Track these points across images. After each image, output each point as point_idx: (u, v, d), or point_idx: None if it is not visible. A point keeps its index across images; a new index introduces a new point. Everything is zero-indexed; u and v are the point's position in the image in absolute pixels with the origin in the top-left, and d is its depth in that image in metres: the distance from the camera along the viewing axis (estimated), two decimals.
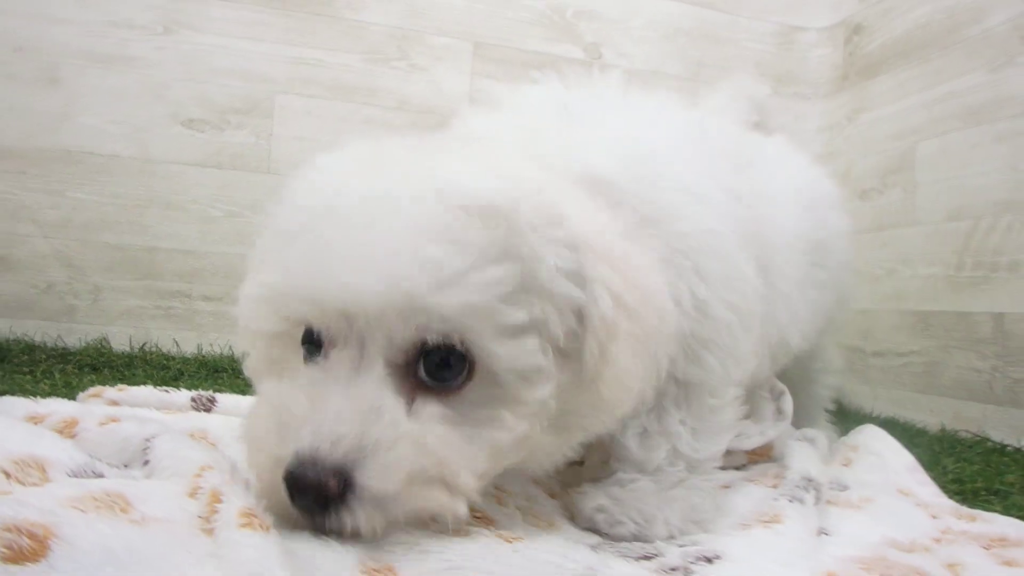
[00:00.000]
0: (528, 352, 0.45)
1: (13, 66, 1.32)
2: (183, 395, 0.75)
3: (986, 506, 0.74)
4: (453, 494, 0.44)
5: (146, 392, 0.75)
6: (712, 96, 1.01)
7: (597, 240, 0.47)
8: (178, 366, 1.26)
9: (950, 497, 0.79)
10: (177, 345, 1.38)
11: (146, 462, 0.54)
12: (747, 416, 0.79)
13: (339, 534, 0.41)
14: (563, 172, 0.53)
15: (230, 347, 1.40)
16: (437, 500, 0.43)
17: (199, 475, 0.44)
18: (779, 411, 0.83)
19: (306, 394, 0.43)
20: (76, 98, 1.34)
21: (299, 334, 0.48)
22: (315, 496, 0.41)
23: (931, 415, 1.29)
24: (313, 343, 0.46)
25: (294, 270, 0.44)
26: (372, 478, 0.41)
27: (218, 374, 1.26)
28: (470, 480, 0.44)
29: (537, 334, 0.45)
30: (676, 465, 0.60)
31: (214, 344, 1.40)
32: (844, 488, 0.63)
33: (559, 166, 0.54)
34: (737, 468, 0.77)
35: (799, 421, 0.88)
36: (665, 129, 0.65)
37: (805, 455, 0.64)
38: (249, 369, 0.54)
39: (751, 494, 0.60)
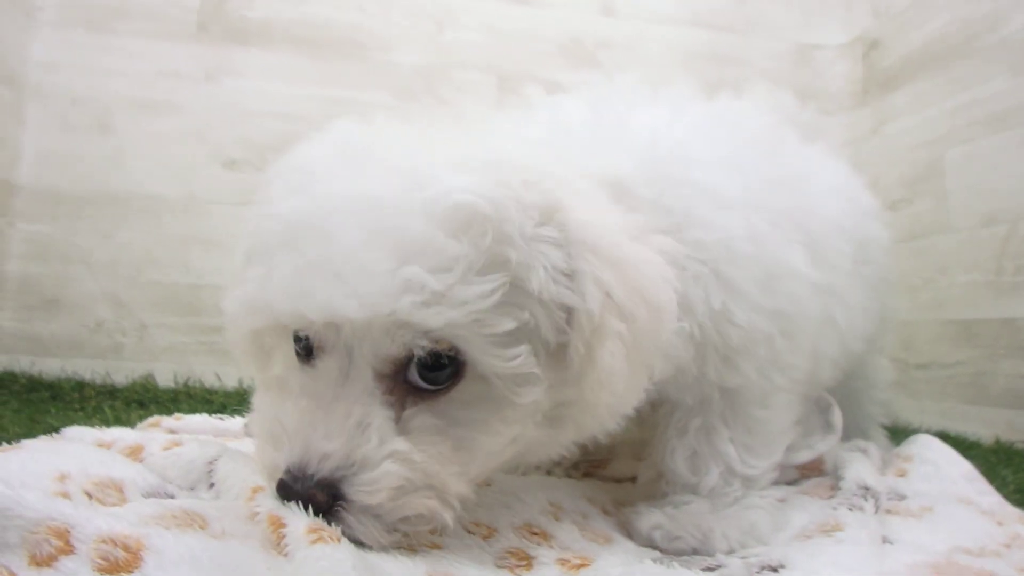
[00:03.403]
0: (518, 358, 0.44)
1: (69, 117, 1.40)
2: (236, 422, 0.77)
3: None
4: (443, 501, 0.44)
5: (201, 420, 0.77)
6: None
7: (594, 237, 0.46)
8: (221, 399, 1.29)
9: (1017, 507, 0.77)
10: (219, 379, 1.41)
11: (211, 484, 0.55)
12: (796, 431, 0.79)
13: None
14: (586, 173, 0.52)
15: None
16: (426, 507, 0.44)
17: (251, 498, 0.45)
18: (828, 424, 0.82)
19: (296, 406, 0.44)
20: (126, 144, 1.42)
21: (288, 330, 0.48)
22: (305, 507, 0.42)
23: (983, 427, 1.26)
24: (302, 340, 0.47)
25: (276, 285, 0.44)
26: (359, 493, 0.42)
27: None
28: (460, 487, 0.45)
29: (527, 339, 0.44)
30: (731, 484, 0.58)
31: (254, 377, 1.42)
32: (902, 498, 0.62)
33: (583, 167, 0.52)
34: (789, 483, 0.76)
35: (854, 439, 0.86)
36: (690, 124, 0.61)
37: (859, 464, 0.63)
38: (241, 363, 0.56)
39: (807, 507, 0.59)
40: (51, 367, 1.34)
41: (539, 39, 1.63)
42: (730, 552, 0.53)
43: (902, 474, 0.69)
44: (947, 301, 1.40)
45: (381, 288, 0.41)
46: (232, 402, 1.28)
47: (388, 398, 0.44)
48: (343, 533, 0.41)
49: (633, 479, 0.70)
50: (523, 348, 0.44)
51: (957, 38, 1.42)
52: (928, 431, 1.32)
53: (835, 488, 0.62)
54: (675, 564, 0.46)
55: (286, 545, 0.41)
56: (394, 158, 0.46)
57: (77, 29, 1.41)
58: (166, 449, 0.59)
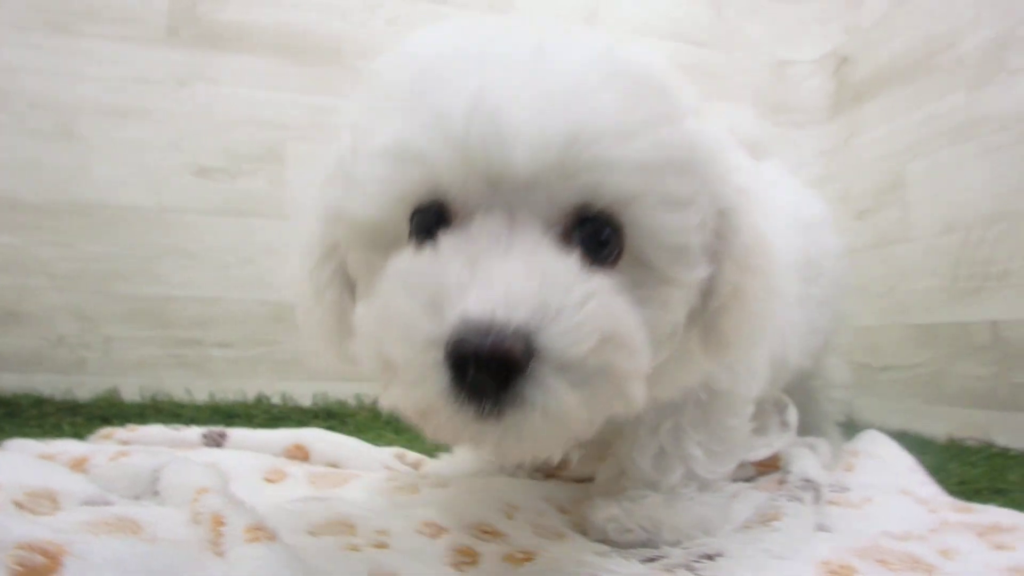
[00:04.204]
0: (687, 228, 0.41)
1: (29, 121, 1.36)
2: (194, 432, 0.77)
3: (988, 503, 0.74)
4: (636, 368, 0.38)
5: (156, 431, 0.76)
6: None
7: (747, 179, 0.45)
8: (190, 414, 1.27)
9: (956, 497, 0.79)
10: (190, 393, 1.40)
11: (156, 492, 0.55)
12: (754, 430, 0.81)
13: (512, 420, 0.34)
14: None
15: (243, 393, 1.41)
16: (626, 365, 0.37)
17: (196, 500, 0.45)
18: (784, 423, 0.83)
19: (457, 258, 0.36)
20: (92, 151, 1.38)
21: (398, 227, 0.41)
22: (495, 368, 0.33)
23: (939, 424, 1.29)
24: (427, 228, 0.40)
25: (435, 121, 0.37)
26: (561, 341, 0.34)
27: (231, 420, 1.27)
28: (644, 361, 0.40)
29: (696, 211, 0.42)
30: (689, 486, 0.60)
31: (227, 391, 1.41)
32: (846, 490, 0.64)
33: None
34: (746, 480, 0.77)
35: (808, 436, 0.89)
36: None
37: (805, 459, 0.65)
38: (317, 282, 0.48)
39: (755, 500, 0.61)
40: (8, 382, 1.30)
41: None
42: (676, 543, 0.54)
43: (850, 468, 0.71)
44: (908, 306, 1.44)
45: (577, 112, 0.37)
46: (202, 416, 1.27)
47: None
48: (527, 399, 0.34)
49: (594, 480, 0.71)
50: (693, 216, 0.41)
51: (919, 55, 1.47)
52: (890, 430, 1.35)
53: (783, 482, 0.64)
54: (613, 555, 0.48)
55: (223, 544, 0.42)
56: (545, 30, 0.41)
57: (40, 31, 1.38)
58: (112, 460, 0.59)
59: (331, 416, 1.28)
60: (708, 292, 0.46)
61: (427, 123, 0.38)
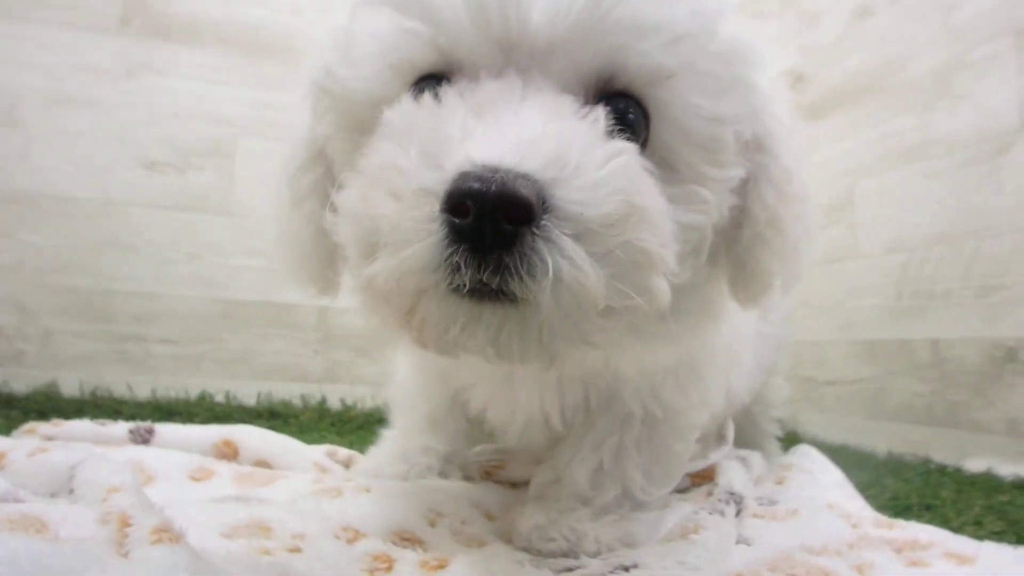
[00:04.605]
0: (723, 118, 0.36)
1: None
2: (120, 427, 0.74)
3: (916, 519, 0.76)
4: (662, 256, 0.33)
5: (82, 426, 0.74)
6: None
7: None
8: (130, 410, 1.24)
9: (886, 512, 0.81)
10: (131, 389, 1.36)
11: (71, 490, 0.54)
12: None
13: (516, 300, 0.28)
14: None
15: (186, 390, 1.38)
16: (651, 247, 0.32)
17: (106, 499, 0.44)
18: (721, 436, 0.84)
19: (463, 109, 0.31)
20: (35, 140, 1.35)
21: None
22: (501, 216, 0.27)
23: (880, 440, 1.32)
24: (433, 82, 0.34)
25: None
26: (578, 195, 0.29)
27: (172, 417, 1.24)
28: (671, 252, 0.34)
29: (733, 103, 0.37)
30: (623, 506, 0.59)
31: (169, 388, 1.38)
32: (774, 503, 0.65)
33: None
34: (681, 491, 0.78)
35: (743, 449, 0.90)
36: None
37: (733, 472, 0.66)
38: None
39: (681, 511, 0.61)
40: None
41: None
42: (596, 554, 0.54)
43: (781, 482, 0.72)
44: (854, 322, 1.47)
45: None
46: (143, 413, 1.24)
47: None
48: (537, 262, 0.27)
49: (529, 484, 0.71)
50: (728, 106, 0.36)
51: (871, 76, 1.51)
52: (832, 444, 1.38)
53: (711, 495, 0.64)
54: (528, 564, 0.47)
55: (128, 544, 0.41)
56: None
57: None
58: (31, 456, 0.57)
59: (275, 416, 1.25)
60: (741, 218, 0.41)
61: None
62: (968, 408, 1.19)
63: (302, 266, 0.46)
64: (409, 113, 0.33)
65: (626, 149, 0.32)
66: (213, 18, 1.47)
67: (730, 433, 0.87)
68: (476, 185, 0.27)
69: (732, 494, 0.59)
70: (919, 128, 1.37)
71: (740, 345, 0.69)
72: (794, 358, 1.58)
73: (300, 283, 0.47)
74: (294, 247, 0.46)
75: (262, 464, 0.73)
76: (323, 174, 0.44)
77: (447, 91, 0.33)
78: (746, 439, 0.94)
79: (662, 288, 0.33)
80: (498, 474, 0.77)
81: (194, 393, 1.37)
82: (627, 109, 0.35)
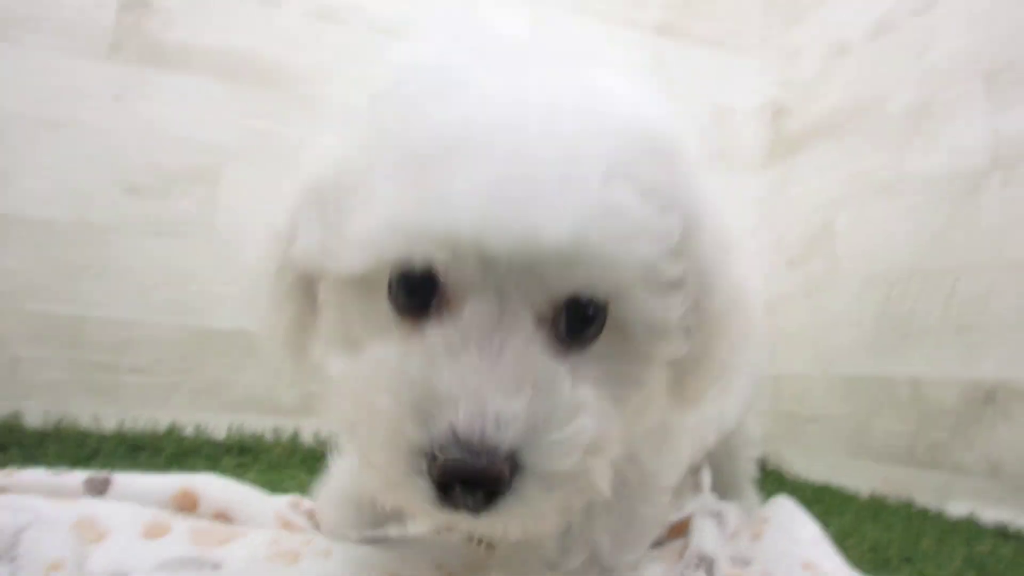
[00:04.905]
0: (672, 307, 0.40)
1: None
2: (76, 478, 0.71)
3: (896, 572, 0.74)
4: (607, 464, 0.39)
5: (36, 476, 0.71)
6: None
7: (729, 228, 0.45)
8: (95, 444, 1.20)
9: (865, 565, 0.79)
10: (96, 420, 1.32)
11: (14, 558, 0.51)
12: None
13: (487, 520, 0.35)
14: None
15: (155, 422, 1.34)
16: (600, 467, 0.38)
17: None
18: (696, 485, 0.83)
19: (447, 361, 0.35)
20: (16, 162, 1.32)
21: (381, 278, 0.39)
22: (481, 486, 0.34)
23: (862, 479, 1.31)
24: (411, 290, 0.39)
25: (438, 206, 0.35)
26: (547, 457, 0.35)
27: (137, 452, 1.21)
28: (617, 447, 0.40)
29: (684, 292, 0.41)
30: (589, 572, 0.57)
31: (137, 419, 1.34)
32: (747, 563, 0.63)
33: None
34: (655, 545, 0.76)
35: (727, 494, 0.88)
36: None
37: (705, 531, 0.64)
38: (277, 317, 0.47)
39: (652, 571, 0.59)
40: None
41: None
42: None
43: (757, 536, 0.70)
44: (835, 356, 1.47)
45: (587, 211, 0.35)
46: (107, 447, 1.20)
47: (549, 350, 0.38)
48: (506, 507, 0.35)
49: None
50: (678, 297, 0.40)
51: (850, 112, 1.53)
52: (814, 482, 1.37)
53: (683, 554, 0.62)
54: None
55: None
56: (549, 64, 0.39)
57: None
58: None
59: (244, 451, 1.22)
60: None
61: (428, 204, 0.35)
62: (949, 449, 1.18)
63: (287, 355, 0.50)
64: (398, 359, 0.37)
65: (587, 401, 0.37)
66: (205, 45, 1.46)
67: (706, 481, 0.86)
68: (462, 466, 0.34)
69: (703, 558, 0.58)
70: (895, 164, 1.38)
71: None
72: (775, 392, 1.58)
73: (286, 367, 0.53)
74: (278, 340, 0.50)
75: (222, 516, 0.70)
76: (301, 277, 0.46)
77: (432, 330, 0.38)
78: (725, 481, 0.93)
79: (606, 482, 0.40)
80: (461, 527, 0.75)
81: (163, 425, 1.33)
82: (588, 307, 0.39)
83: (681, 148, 0.41)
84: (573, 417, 0.36)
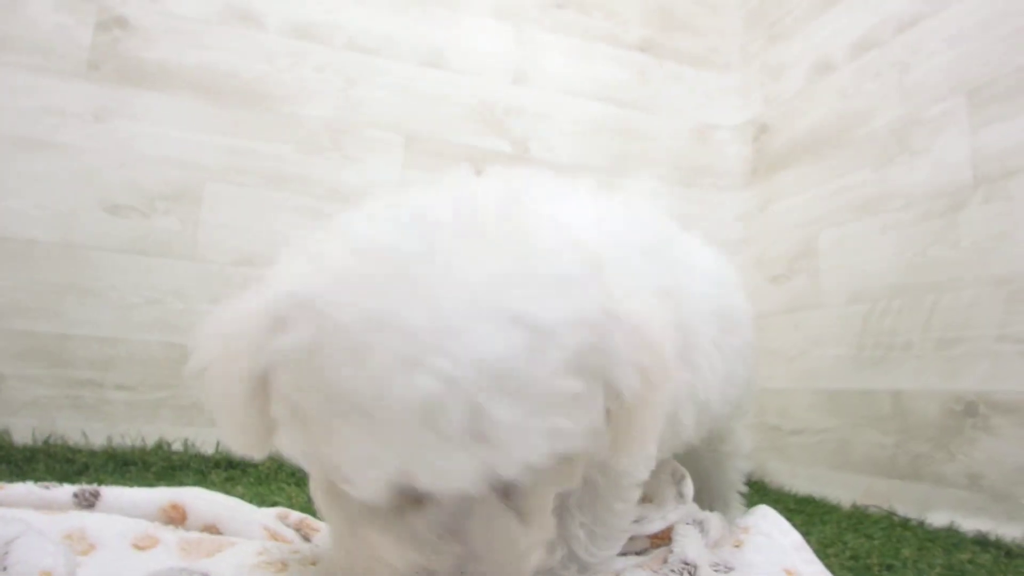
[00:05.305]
0: (575, 470, 0.47)
1: None
2: (65, 492, 0.71)
3: None
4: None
5: (25, 490, 0.71)
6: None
7: (636, 317, 0.47)
8: (84, 459, 1.20)
9: (846, 573, 0.81)
10: (85, 437, 1.32)
11: (4, 568, 0.51)
12: (650, 501, 0.80)
13: None
14: None
15: (143, 438, 1.34)
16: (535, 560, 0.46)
17: None
18: (680, 495, 0.84)
19: (423, 547, 0.42)
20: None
21: None
22: None
23: (845, 491, 1.32)
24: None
25: (387, 438, 0.39)
26: None
27: (126, 467, 1.21)
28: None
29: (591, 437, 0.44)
30: (568, 569, 0.59)
31: (125, 435, 1.34)
32: (730, 570, 0.64)
33: None
34: (639, 553, 0.77)
35: (713, 506, 0.89)
36: (597, 225, 0.62)
37: (688, 538, 0.65)
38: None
39: None
40: None
41: (450, 102, 1.67)
42: None
43: (739, 545, 0.71)
44: (818, 372, 1.49)
45: (528, 441, 0.39)
46: (97, 461, 1.21)
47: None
48: None
49: None
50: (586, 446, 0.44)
51: (832, 129, 1.55)
52: (797, 494, 1.39)
53: (666, 561, 0.63)
54: None
55: None
56: (466, 284, 0.40)
57: None
58: None
59: (232, 466, 1.22)
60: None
61: (380, 437, 0.39)
62: (930, 461, 1.20)
63: (247, 446, 0.52)
64: (390, 545, 0.43)
65: (536, 543, 0.46)
66: (185, 63, 1.47)
67: (688, 491, 0.86)
68: None
69: (686, 564, 0.59)
70: (878, 181, 1.40)
71: (704, 353, 0.71)
72: (759, 406, 1.59)
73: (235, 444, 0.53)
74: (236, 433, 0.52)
75: (210, 528, 0.71)
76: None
77: (416, 518, 0.43)
78: (712, 491, 0.94)
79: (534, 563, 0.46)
80: None
81: (151, 441, 1.33)
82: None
83: (612, 346, 0.44)
84: (527, 555, 0.45)
